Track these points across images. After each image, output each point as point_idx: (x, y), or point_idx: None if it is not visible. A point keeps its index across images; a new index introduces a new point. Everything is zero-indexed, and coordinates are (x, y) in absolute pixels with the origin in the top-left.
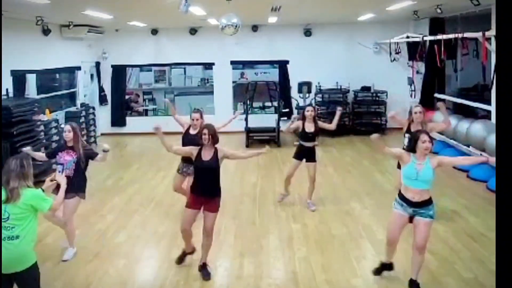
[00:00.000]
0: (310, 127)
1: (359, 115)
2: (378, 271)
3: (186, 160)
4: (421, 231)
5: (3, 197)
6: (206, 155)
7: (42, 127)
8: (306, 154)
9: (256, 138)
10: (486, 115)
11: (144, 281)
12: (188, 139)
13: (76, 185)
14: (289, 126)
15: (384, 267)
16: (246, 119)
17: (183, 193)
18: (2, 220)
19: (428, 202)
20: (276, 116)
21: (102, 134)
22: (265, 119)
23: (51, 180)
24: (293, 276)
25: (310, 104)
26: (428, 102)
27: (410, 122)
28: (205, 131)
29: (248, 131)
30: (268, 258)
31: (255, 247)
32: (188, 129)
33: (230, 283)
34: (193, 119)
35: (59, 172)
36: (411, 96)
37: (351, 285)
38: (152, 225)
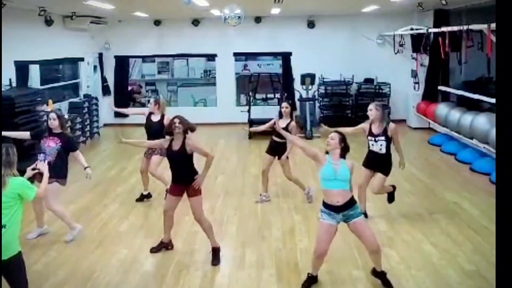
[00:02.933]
0: (283, 123)
1: (362, 107)
2: (306, 285)
3: None
4: (365, 234)
5: None
6: (176, 145)
7: (45, 118)
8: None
9: None
10: (490, 108)
11: (147, 270)
12: (149, 124)
13: (57, 170)
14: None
15: (312, 280)
16: (248, 111)
17: (157, 177)
18: None
19: (353, 202)
20: (278, 108)
21: (105, 125)
22: (268, 111)
23: (33, 169)
24: (294, 267)
25: (286, 100)
26: (432, 95)
27: (371, 123)
28: (176, 120)
29: (251, 122)
30: (269, 249)
31: (256, 238)
32: (149, 115)
33: (232, 273)
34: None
35: (41, 160)
36: (414, 88)
37: (352, 276)
38: (154, 215)
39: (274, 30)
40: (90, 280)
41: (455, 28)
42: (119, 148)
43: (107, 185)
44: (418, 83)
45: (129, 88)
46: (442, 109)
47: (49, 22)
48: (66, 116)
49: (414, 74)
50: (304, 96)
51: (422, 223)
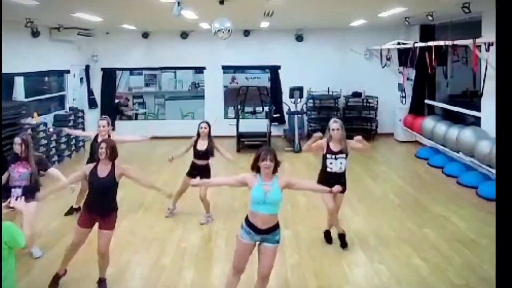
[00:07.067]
0: (202, 145)
1: (350, 121)
2: None
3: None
4: (267, 259)
5: None
6: (102, 171)
7: (29, 131)
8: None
9: (247, 143)
10: (475, 122)
11: (133, 287)
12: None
13: (33, 193)
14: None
15: None
16: (237, 124)
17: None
18: None
19: (275, 227)
20: (267, 121)
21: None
22: (256, 124)
23: (8, 207)
24: (285, 283)
25: (204, 121)
26: (418, 109)
27: (329, 140)
28: (103, 145)
29: (239, 135)
30: None
31: None
32: (96, 136)
33: None
34: (99, 126)
35: (16, 196)
36: (401, 102)
37: None
38: (141, 231)
39: (262, 43)
40: None
41: (441, 42)
42: None
43: None
44: (405, 96)
45: (116, 101)
46: (428, 122)
47: (35, 34)
48: (51, 129)
49: (401, 88)
50: (292, 109)
51: (411, 237)
